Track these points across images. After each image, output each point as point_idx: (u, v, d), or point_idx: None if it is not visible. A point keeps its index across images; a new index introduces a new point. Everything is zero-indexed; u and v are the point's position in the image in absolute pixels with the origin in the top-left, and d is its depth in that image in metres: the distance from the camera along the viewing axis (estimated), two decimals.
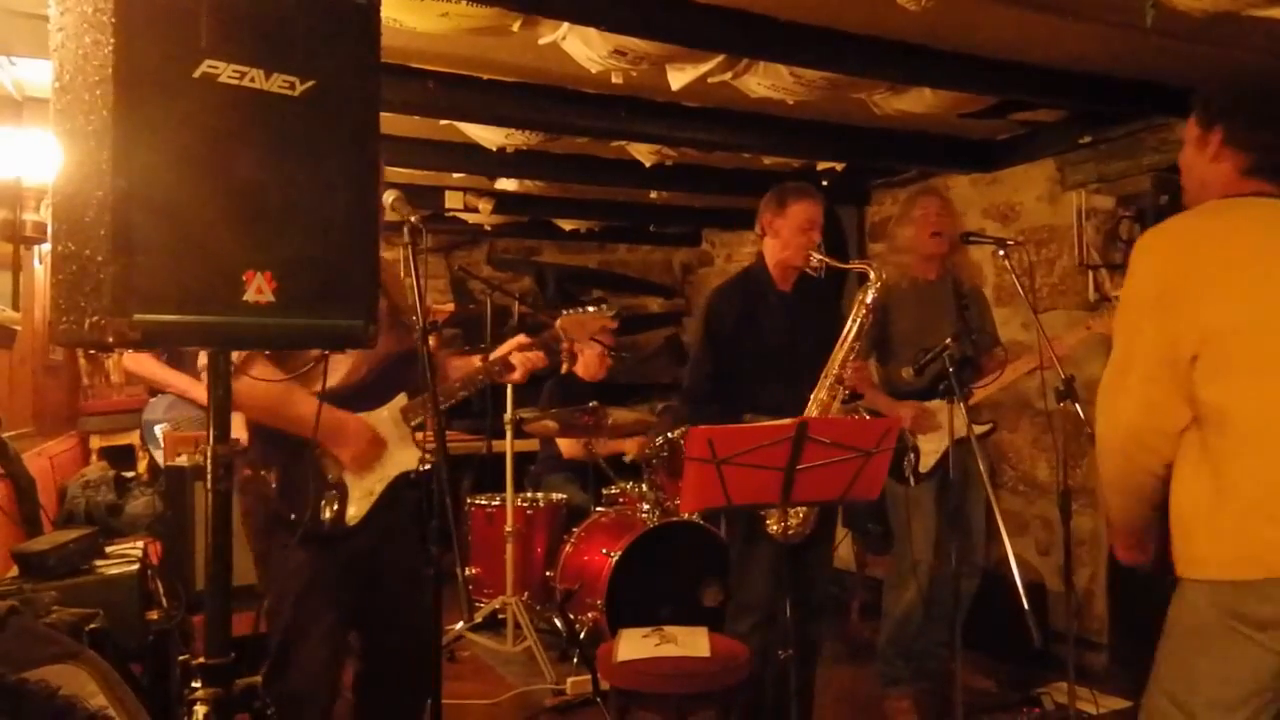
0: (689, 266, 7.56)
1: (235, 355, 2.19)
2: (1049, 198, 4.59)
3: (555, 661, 4.02)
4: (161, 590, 3.01)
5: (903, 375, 3.35)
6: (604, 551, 4.07)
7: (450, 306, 6.61)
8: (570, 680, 3.82)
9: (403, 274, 2.42)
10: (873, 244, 5.62)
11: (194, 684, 1.53)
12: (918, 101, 3.61)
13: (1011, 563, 2.47)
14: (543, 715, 3.73)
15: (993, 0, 2.81)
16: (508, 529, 4.32)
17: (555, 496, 4.76)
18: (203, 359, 1.78)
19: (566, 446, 5.12)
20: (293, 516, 2.24)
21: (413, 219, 2.14)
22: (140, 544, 3.18)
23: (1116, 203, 4.20)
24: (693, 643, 2.83)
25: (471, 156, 4.37)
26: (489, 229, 6.23)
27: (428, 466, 2.35)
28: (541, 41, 3.01)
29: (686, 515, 4.10)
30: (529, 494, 4.82)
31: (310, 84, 1.50)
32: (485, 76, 3.51)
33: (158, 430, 3.96)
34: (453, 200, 5.36)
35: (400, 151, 4.23)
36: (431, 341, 2.17)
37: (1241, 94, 1.89)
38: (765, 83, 3.34)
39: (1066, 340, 3.28)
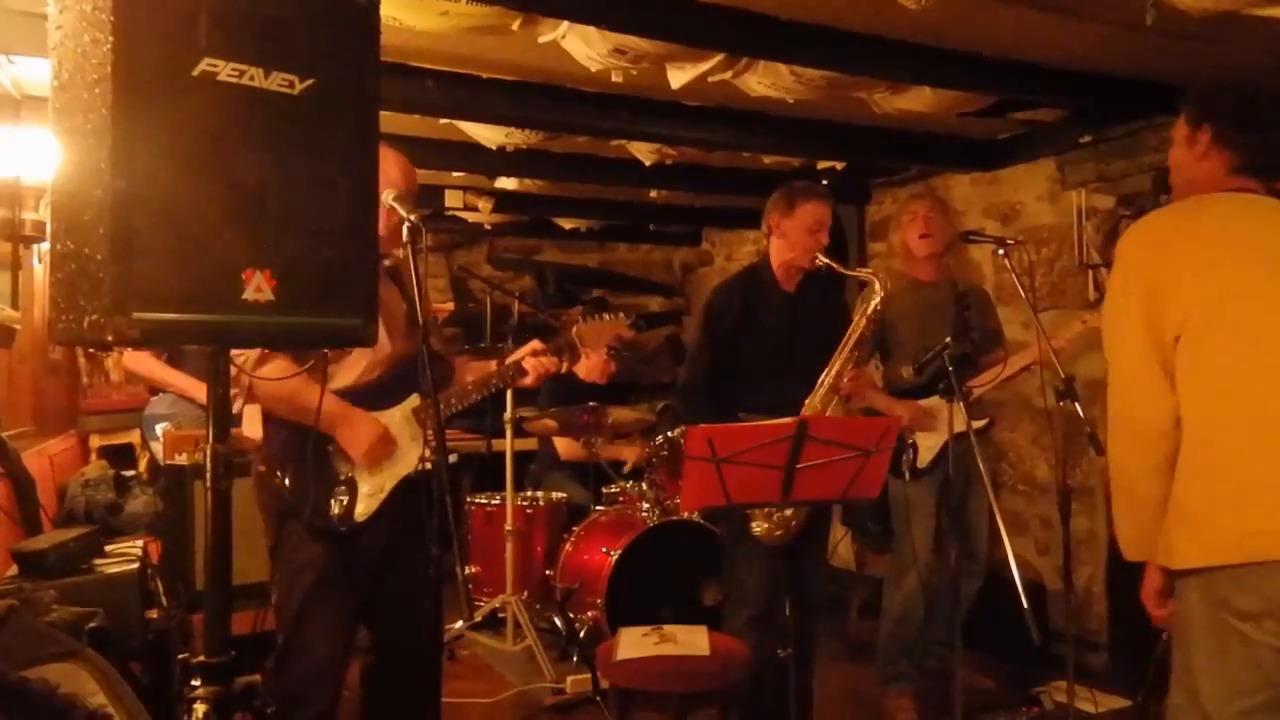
0: (689, 266, 7.56)
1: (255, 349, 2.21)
2: (1049, 197, 4.59)
3: (555, 660, 4.01)
4: (161, 589, 3.01)
5: (903, 374, 3.36)
6: (604, 550, 4.07)
7: (450, 306, 6.61)
8: (570, 679, 3.82)
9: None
10: (873, 243, 5.62)
11: (194, 682, 1.53)
12: (918, 101, 3.61)
13: (1011, 562, 2.48)
14: (542, 714, 3.73)
15: (993, 0, 2.81)
16: (507, 528, 4.32)
17: (555, 495, 4.76)
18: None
19: (564, 448, 5.10)
20: (305, 512, 2.25)
21: (413, 218, 2.13)
22: (140, 543, 3.18)
23: (1116, 202, 4.21)
24: (692, 642, 2.83)
25: (471, 155, 4.37)
26: (489, 228, 6.20)
27: (428, 466, 2.35)
28: (541, 40, 3.01)
29: (686, 514, 4.09)
30: (529, 493, 4.81)
31: (310, 82, 1.51)
32: (485, 75, 3.51)
33: (158, 428, 3.95)
34: (452, 199, 5.35)
35: (400, 150, 4.20)
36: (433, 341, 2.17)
37: (1230, 94, 1.93)
38: (765, 81, 3.34)
39: (1062, 334, 3.29)
